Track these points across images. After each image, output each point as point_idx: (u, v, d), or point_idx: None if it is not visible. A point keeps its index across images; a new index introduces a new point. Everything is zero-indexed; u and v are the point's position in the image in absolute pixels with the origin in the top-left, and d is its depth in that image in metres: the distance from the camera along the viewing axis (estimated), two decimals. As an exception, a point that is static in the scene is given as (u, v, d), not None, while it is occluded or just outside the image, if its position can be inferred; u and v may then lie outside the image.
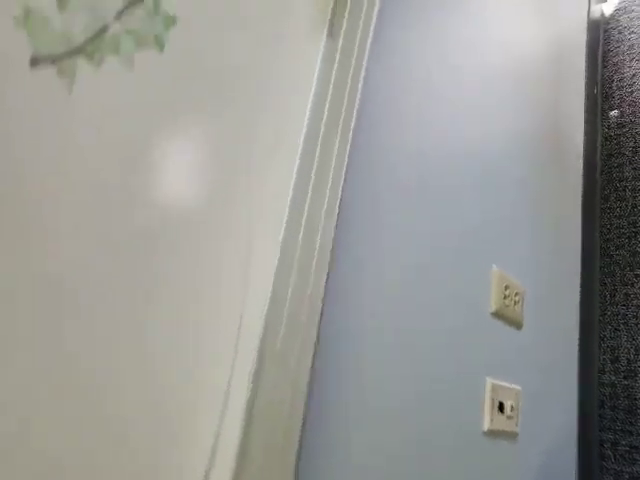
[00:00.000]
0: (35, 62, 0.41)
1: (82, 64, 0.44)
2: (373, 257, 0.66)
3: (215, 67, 0.53)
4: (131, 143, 0.46)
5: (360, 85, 0.64)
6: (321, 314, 0.55)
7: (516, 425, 0.95)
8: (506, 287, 0.99)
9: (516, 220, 1.08)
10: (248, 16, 0.58)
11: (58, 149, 0.42)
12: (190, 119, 0.51)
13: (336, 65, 0.63)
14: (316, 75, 0.59)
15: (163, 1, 0.50)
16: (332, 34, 0.65)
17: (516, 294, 1.02)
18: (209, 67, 0.53)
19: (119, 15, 0.47)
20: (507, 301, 0.99)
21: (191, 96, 0.51)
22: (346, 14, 0.65)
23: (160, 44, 0.49)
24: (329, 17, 0.64)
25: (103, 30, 0.45)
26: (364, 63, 0.65)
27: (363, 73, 0.64)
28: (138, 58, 0.48)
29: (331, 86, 0.61)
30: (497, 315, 0.96)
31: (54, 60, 0.42)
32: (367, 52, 0.66)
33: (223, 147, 0.53)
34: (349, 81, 0.63)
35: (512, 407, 0.94)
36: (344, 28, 0.65)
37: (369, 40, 0.66)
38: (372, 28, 0.68)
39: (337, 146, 0.60)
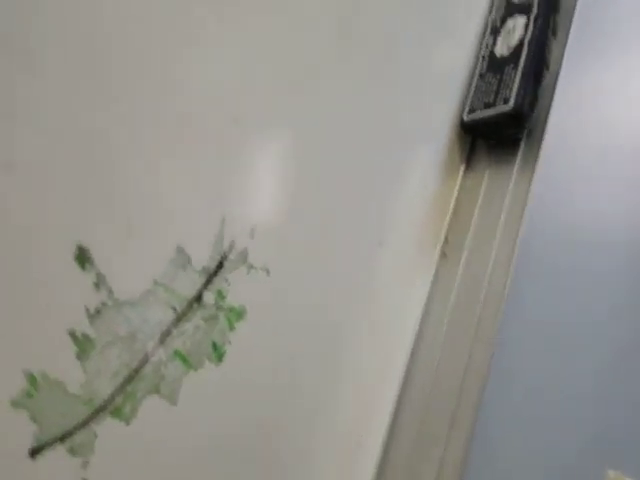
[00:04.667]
0: (37, 451, 0.29)
1: (106, 425, 0.31)
2: None
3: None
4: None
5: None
6: None
7: None
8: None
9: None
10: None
11: None
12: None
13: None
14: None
15: (230, 291, 0.36)
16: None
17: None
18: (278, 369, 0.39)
19: (164, 337, 0.33)
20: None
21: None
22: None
23: (219, 354, 0.36)
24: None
25: (140, 366, 0.33)
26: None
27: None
28: (185, 382, 0.34)
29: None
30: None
31: (64, 437, 0.30)
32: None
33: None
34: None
35: None
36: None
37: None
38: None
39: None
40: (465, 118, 0.49)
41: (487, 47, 0.51)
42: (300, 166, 0.41)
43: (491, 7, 0.54)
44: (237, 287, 0.37)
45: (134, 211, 0.33)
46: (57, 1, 0.30)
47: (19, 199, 0.29)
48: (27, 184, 0.29)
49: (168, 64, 0.34)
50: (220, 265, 0.36)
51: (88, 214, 0.31)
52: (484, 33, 0.53)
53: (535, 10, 0.48)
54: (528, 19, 0.48)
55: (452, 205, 0.51)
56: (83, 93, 0.31)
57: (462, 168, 0.52)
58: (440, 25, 0.51)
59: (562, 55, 0.49)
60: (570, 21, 0.51)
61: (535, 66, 0.46)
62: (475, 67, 0.52)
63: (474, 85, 0.50)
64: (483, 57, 0.51)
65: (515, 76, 0.46)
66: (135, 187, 0.33)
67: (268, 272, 0.38)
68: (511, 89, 0.46)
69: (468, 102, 0.50)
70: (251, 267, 0.37)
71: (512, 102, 0.45)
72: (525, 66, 0.46)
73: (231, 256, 0.37)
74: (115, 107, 0.32)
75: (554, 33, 0.49)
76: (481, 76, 0.50)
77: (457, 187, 0.51)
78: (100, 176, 0.32)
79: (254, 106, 0.38)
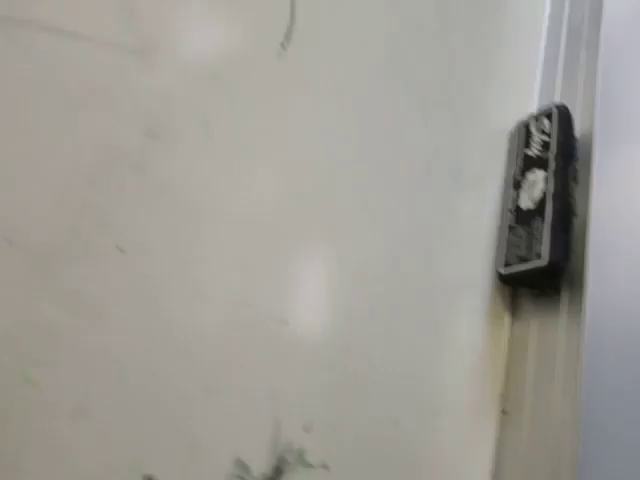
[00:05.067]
0: None
1: None
2: None
3: None
4: None
5: None
6: None
7: None
8: None
9: None
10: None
11: None
12: None
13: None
14: None
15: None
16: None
17: None
18: None
19: None
20: None
21: None
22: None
23: None
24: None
25: None
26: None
27: None
28: None
29: None
30: None
31: None
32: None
33: None
34: None
35: None
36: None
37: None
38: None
39: None
40: (503, 272, 0.50)
41: (512, 201, 0.53)
42: (348, 359, 0.42)
43: (510, 160, 0.57)
44: (297, 491, 0.37)
45: (194, 431, 0.35)
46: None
47: (87, 443, 0.32)
48: (97, 428, 0.32)
49: (216, 273, 0.38)
50: (279, 471, 0.37)
51: (153, 444, 0.34)
52: (507, 186, 0.55)
53: (553, 164, 0.50)
54: (547, 172, 0.51)
55: (504, 359, 0.50)
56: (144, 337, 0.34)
57: (507, 317, 0.52)
58: (459, 179, 0.55)
59: (588, 198, 0.51)
60: (590, 163, 0.53)
61: (562, 219, 0.48)
62: (503, 219, 0.53)
63: (505, 238, 0.52)
64: (510, 210, 0.53)
65: (543, 230, 0.48)
66: (195, 407, 0.35)
67: (328, 468, 0.38)
68: (542, 243, 0.47)
69: (502, 256, 0.51)
70: (309, 466, 0.38)
71: (546, 257, 0.46)
72: (553, 220, 0.47)
73: (288, 458, 0.37)
74: (168, 335, 0.36)
75: (576, 181, 0.51)
76: (510, 229, 0.52)
77: (505, 339, 0.51)
78: (163, 406, 0.34)
79: (298, 305, 0.41)
